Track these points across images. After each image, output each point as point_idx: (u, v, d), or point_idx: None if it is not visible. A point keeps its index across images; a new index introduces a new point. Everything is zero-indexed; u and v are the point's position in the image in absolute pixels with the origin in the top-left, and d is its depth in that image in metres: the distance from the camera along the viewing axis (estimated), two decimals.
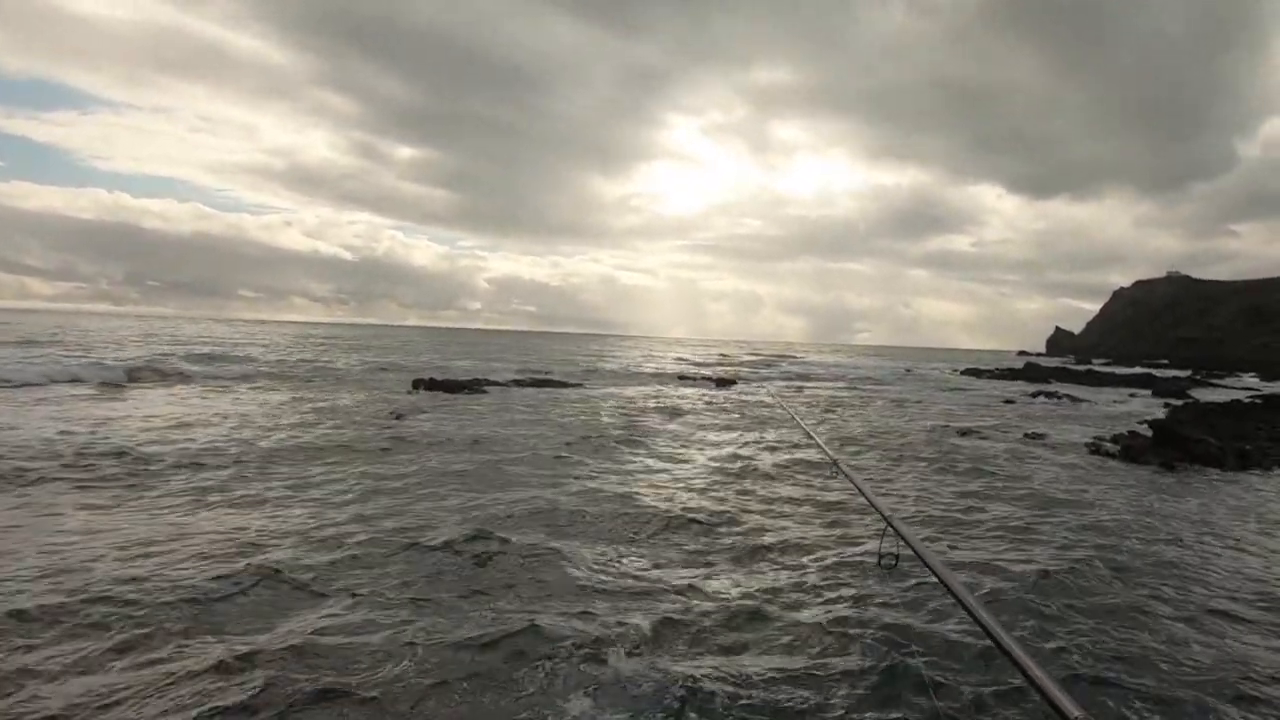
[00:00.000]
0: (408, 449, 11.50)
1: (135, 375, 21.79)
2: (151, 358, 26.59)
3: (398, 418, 15.37)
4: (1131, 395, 34.03)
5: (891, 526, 2.34)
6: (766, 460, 11.90)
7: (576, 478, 9.78)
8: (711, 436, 14.85)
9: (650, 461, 11.52)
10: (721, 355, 72.25)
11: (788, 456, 12.31)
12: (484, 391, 22.86)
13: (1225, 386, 45.68)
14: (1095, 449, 14.34)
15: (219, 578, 5.40)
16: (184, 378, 22.66)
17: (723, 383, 32.95)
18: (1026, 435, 16.47)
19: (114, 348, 34.61)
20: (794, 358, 74.38)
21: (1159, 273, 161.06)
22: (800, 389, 31.12)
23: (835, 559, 6.55)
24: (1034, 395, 30.41)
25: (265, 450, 10.82)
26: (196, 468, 9.41)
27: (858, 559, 6.55)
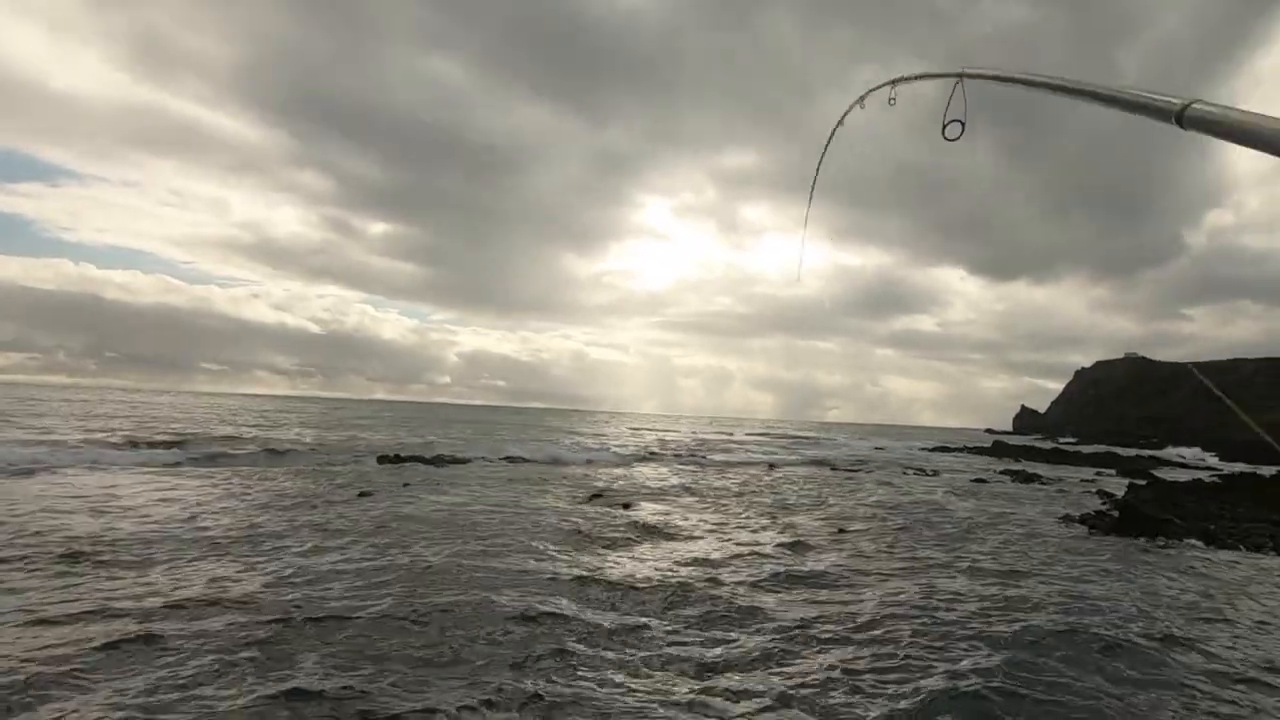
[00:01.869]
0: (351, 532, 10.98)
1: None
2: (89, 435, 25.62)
3: (361, 495, 14.82)
4: (1098, 474, 34.29)
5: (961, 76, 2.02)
6: (740, 574, 11.56)
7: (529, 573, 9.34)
8: (677, 522, 14.48)
9: (617, 557, 11.12)
10: (691, 432, 71.93)
11: (756, 572, 11.98)
12: (445, 467, 22.29)
13: (1187, 466, 46.36)
14: (1064, 528, 14.24)
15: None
16: (120, 459, 21.80)
17: (690, 459, 32.63)
18: (993, 515, 16.34)
19: (59, 423, 33.44)
20: (765, 434, 74.36)
21: (1118, 353, 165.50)
22: (771, 467, 30.86)
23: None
24: (1003, 474, 30.50)
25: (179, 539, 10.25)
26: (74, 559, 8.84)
27: None
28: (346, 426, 46.92)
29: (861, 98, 2.92)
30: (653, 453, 35.72)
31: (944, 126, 2.00)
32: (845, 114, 3.20)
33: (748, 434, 75.64)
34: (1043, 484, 26.82)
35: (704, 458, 34.09)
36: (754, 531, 12.85)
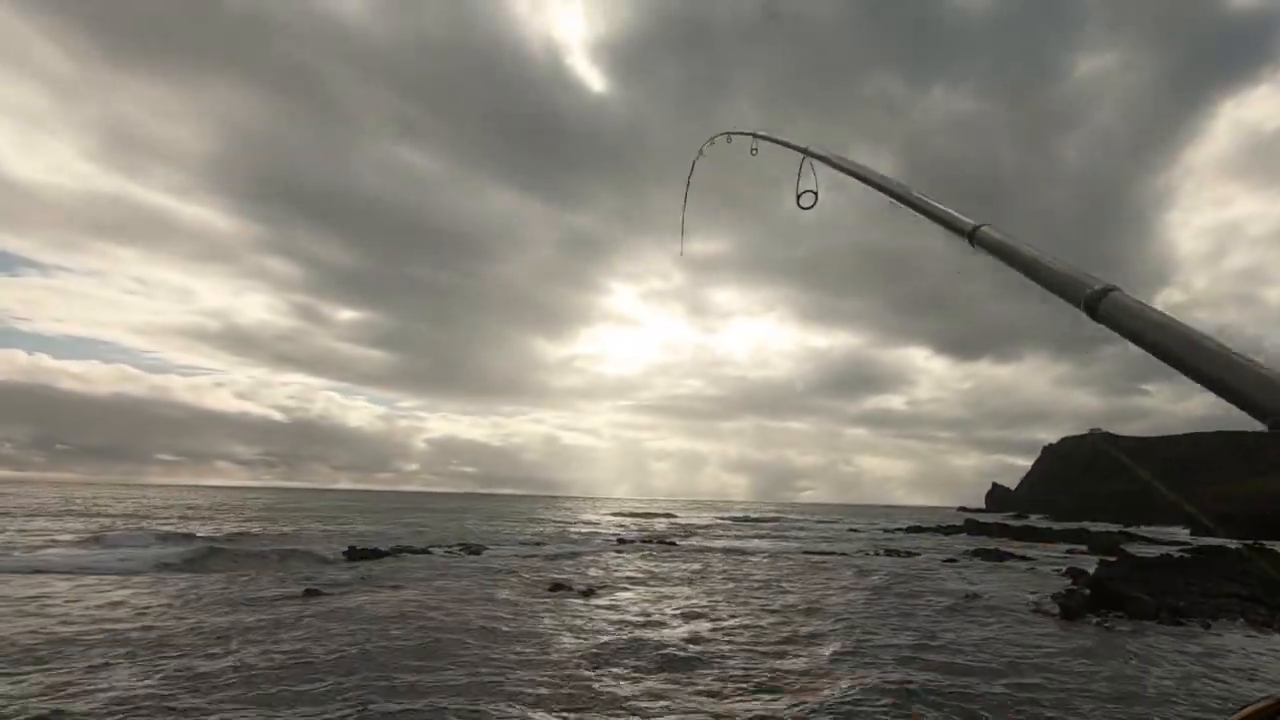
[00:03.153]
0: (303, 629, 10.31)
1: None
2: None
3: (307, 594, 14.06)
4: (1069, 551, 34.09)
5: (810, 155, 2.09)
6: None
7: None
8: (632, 610, 13.93)
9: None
10: (662, 516, 70.78)
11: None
12: (402, 558, 21.40)
13: (1156, 540, 46.39)
14: (1036, 608, 13.94)
15: None
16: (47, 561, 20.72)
17: (663, 544, 31.90)
18: (966, 597, 15.99)
19: None
20: (737, 517, 73.38)
21: (1083, 428, 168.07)
22: (742, 558, 30.21)
23: None
24: (974, 554, 30.16)
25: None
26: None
27: None
28: (307, 517, 45.34)
29: (727, 134, 3.17)
30: (621, 539, 34.90)
31: (798, 196, 2.06)
32: (703, 147, 3.55)
33: (720, 517, 74.69)
34: (1016, 560, 26.51)
35: (672, 542, 33.34)
36: (703, 620, 12.35)
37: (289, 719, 6.43)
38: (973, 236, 1.11)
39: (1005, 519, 78.34)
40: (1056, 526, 58.42)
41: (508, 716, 6.66)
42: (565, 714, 6.83)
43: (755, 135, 2.66)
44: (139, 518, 39.69)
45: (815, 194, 2.07)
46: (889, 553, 30.88)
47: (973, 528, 51.43)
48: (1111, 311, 0.79)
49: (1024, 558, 28.53)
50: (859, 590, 17.12)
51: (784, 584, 18.29)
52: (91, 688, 7.18)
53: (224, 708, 6.63)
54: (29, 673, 7.70)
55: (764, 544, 35.82)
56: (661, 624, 11.95)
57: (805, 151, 2.04)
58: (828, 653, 9.82)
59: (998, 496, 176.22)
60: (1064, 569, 23.47)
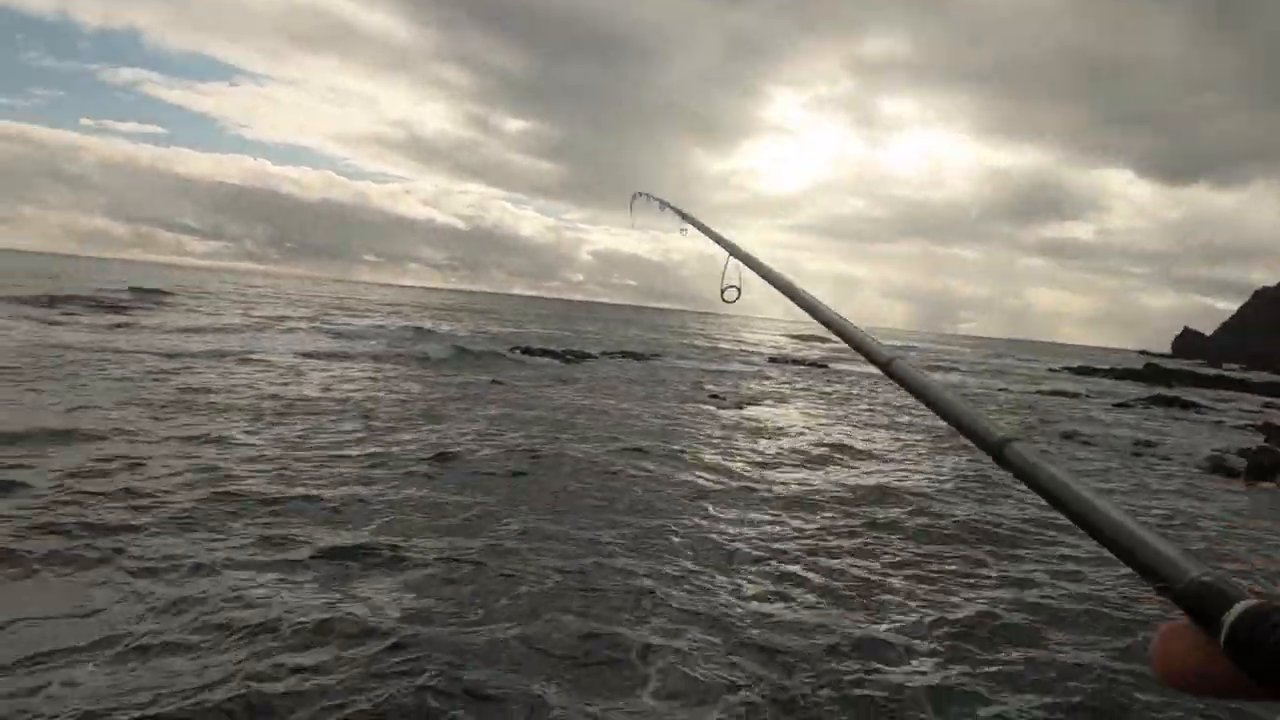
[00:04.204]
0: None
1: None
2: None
3: (493, 382, 15.96)
4: (1266, 405, 31.21)
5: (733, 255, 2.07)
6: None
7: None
8: (780, 423, 14.62)
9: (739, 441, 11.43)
10: (819, 339, 70.64)
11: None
12: (574, 362, 23.30)
13: None
14: (1217, 464, 13.22)
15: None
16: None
17: (816, 365, 32.35)
18: (1136, 444, 15.38)
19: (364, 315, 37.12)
20: (894, 345, 71.79)
21: None
22: (893, 384, 30.00)
23: None
24: (1151, 401, 28.28)
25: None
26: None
27: None
28: (490, 320, 49.49)
29: (662, 204, 2.73)
30: (773, 358, 35.69)
31: (722, 291, 2.02)
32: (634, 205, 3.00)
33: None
34: (1202, 411, 24.79)
35: (825, 365, 33.66)
36: (855, 437, 12.80)
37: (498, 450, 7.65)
38: (887, 366, 1.12)
39: (1194, 366, 71.74)
40: (1255, 378, 52.96)
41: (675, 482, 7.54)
42: (719, 488, 7.62)
43: (684, 219, 2.32)
44: (362, 311, 45.19)
45: (739, 289, 2.03)
46: (1055, 392, 29.64)
47: (1154, 374, 47.66)
48: (1013, 459, 0.79)
49: (1210, 408, 26.55)
50: (1016, 427, 16.86)
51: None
52: (318, 439, 8.79)
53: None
54: (270, 426, 9.48)
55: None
56: (804, 433, 12.64)
57: (731, 251, 1.99)
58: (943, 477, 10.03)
59: (1188, 342, 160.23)
60: (1259, 422, 21.74)
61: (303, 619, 4.31)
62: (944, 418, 0.91)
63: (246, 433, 9.14)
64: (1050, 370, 50.02)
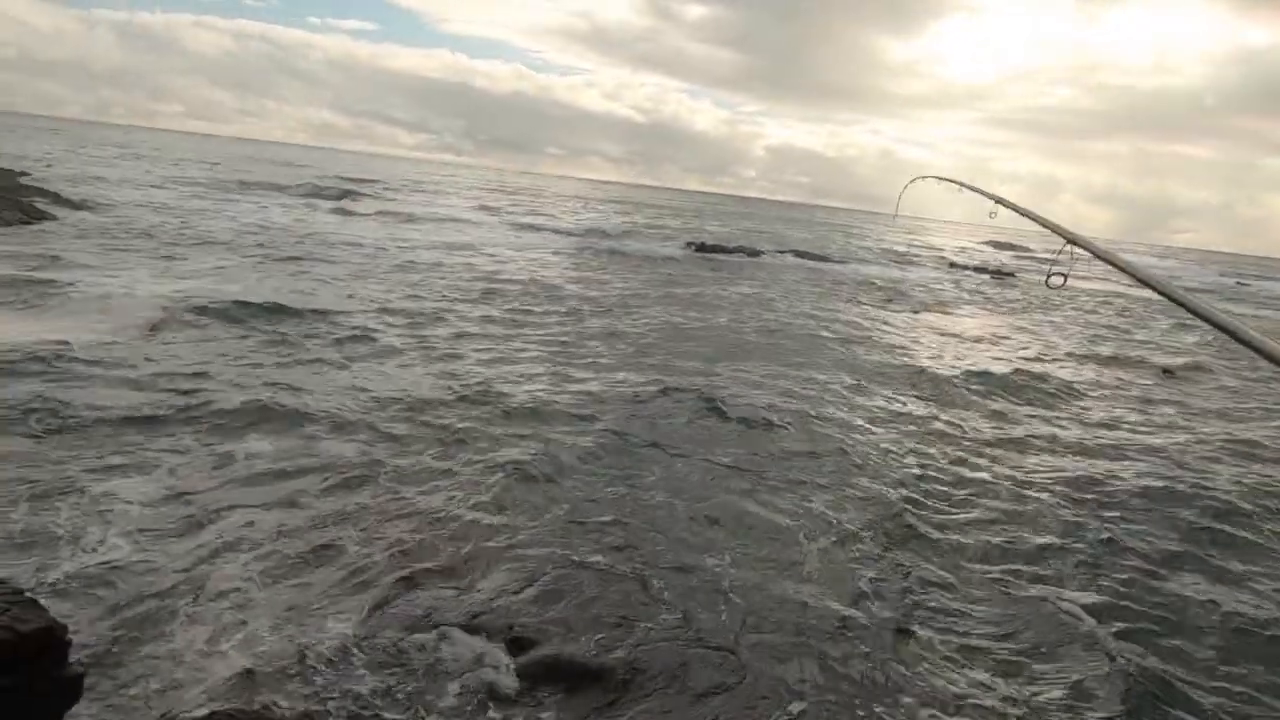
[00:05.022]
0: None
1: None
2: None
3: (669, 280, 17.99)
4: None
5: (1071, 243, 2.25)
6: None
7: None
8: (952, 329, 15.38)
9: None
10: (1007, 246, 65.66)
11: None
12: (750, 257, 24.80)
13: None
14: None
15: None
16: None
17: (999, 274, 31.06)
18: None
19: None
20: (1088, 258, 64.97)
21: None
22: (1081, 296, 28.51)
23: None
24: None
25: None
26: None
27: None
28: (668, 214, 51.41)
29: (962, 185, 3.41)
30: (953, 264, 34.72)
31: (1048, 276, 2.29)
32: None
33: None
34: None
35: (1010, 274, 32.22)
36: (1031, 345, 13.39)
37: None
38: None
39: None
40: None
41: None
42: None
43: None
44: (556, 201, 48.76)
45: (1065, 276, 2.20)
46: None
47: None
48: None
49: None
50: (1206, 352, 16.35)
51: (1122, 331, 17.44)
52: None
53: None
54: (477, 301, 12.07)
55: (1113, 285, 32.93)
56: (981, 340, 13.54)
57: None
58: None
59: None
60: None
61: None
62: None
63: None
64: None
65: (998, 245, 61.30)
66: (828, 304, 16.13)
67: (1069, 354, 12.87)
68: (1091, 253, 2.06)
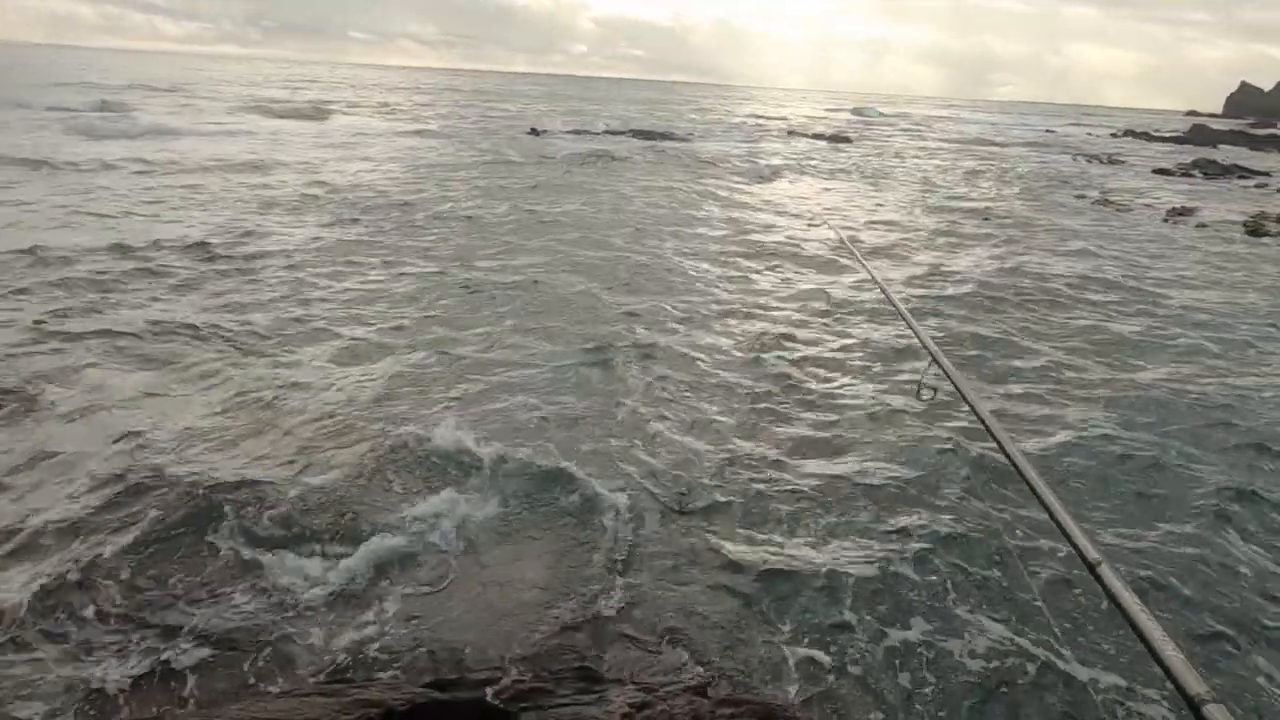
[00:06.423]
0: None
1: None
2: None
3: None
4: None
5: (936, 361, 2.15)
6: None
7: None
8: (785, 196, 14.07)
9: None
10: (840, 110, 66.71)
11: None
12: (585, 139, 22.29)
13: None
14: (1253, 229, 12.60)
15: None
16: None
17: (835, 140, 30.75)
18: (1171, 211, 14.67)
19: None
20: (915, 116, 67.80)
21: None
22: (924, 147, 28.64)
23: None
24: (1193, 166, 26.63)
25: None
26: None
27: None
28: (503, 98, 46.97)
29: None
30: (792, 131, 34.06)
31: (919, 390, 2.42)
32: None
33: (896, 111, 69.37)
34: (1247, 176, 23.41)
35: (846, 138, 31.91)
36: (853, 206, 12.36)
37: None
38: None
39: (1245, 126, 67.10)
40: None
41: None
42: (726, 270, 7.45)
43: None
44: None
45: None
46: (1089, 158, 28.07)
47: (1201, 136, 44.71)
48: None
49: (1259, 172, 25.06)
50: (1038, 200, 16.18)
51: (955, 184, 17.64)
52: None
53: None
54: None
55: (943, 143, 33.51)
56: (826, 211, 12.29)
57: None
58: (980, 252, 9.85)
59: (1244, 100, 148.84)
60: None
61: None
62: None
63: None
64: (1090, 134, 47.29)
65: (832, 111, 62.04)
66: (671, 176, 14.28)
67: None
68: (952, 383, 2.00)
